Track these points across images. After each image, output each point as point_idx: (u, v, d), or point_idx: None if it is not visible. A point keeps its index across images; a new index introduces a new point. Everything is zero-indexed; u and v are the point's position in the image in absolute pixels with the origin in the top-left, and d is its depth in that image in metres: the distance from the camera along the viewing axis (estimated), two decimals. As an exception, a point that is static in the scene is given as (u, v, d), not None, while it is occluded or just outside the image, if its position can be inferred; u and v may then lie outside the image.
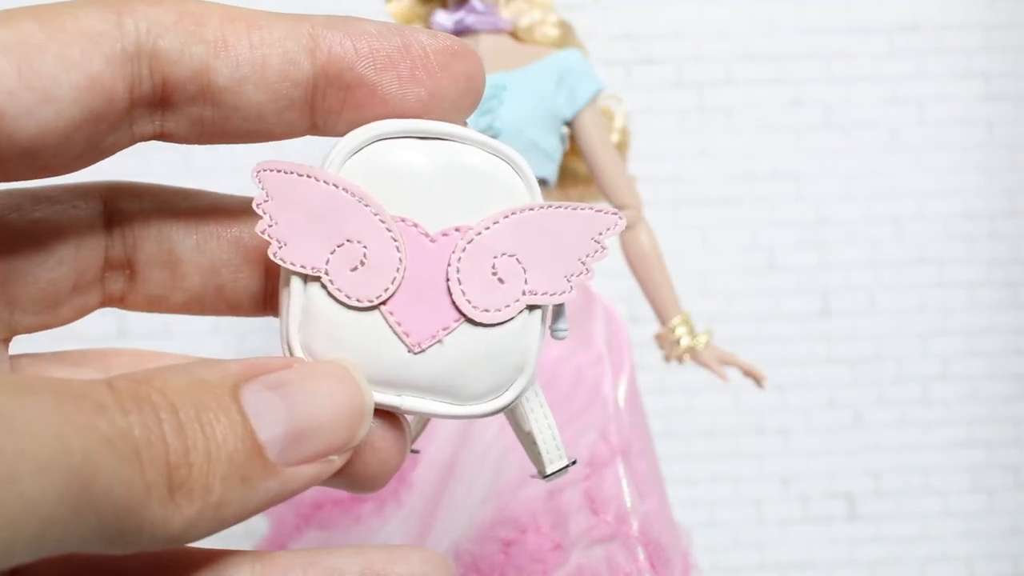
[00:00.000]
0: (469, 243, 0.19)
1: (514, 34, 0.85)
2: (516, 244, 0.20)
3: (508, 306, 0.20)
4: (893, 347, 1.37)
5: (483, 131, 0.78)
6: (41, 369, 0.20)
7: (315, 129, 0.19)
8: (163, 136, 0.19)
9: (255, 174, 0.19)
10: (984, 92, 1.37)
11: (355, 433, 0.17)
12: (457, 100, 0.19)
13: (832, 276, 1.37)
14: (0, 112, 0.15)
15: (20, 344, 0.20)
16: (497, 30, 0.83)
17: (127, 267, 0.20)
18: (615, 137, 0.88)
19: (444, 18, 0.82)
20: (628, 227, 0.84)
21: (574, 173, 0.92)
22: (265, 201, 0.19)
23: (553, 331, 0.22)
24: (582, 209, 0.20)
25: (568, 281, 0.20)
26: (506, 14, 0.84)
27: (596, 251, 0.20)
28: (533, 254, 0.20)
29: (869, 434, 1.37)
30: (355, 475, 0.18)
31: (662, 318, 0.84)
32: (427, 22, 0.86)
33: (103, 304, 0.21)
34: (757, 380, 0.83)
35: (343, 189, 0.19)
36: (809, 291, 1.37)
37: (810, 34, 1.36)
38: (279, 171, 0.19)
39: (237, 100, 0.18)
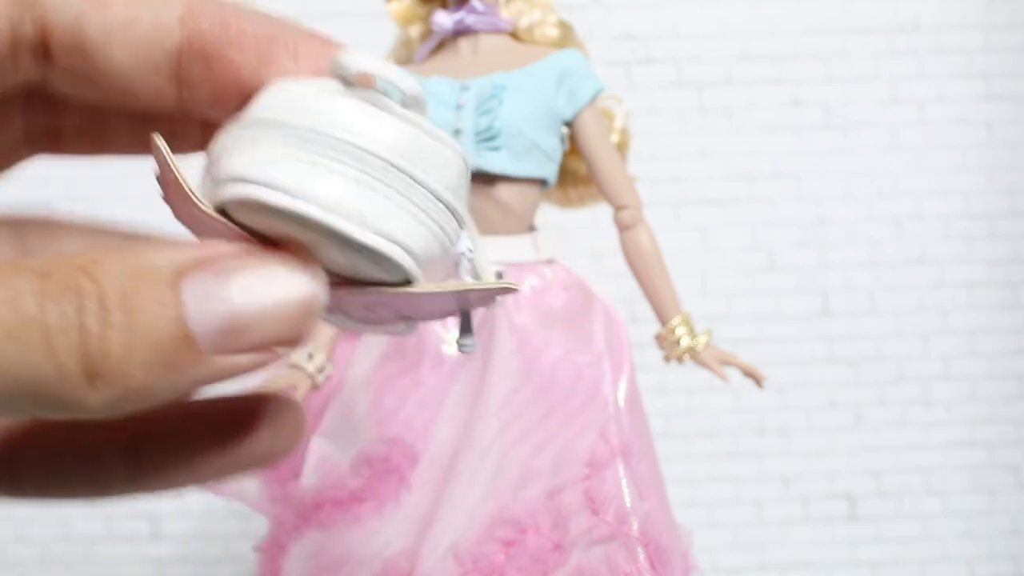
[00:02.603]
0: None
1: (514, 34, 0.85)
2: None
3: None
4: (893, 347, 1.37)
5: (483, 131, 0.78)
6: None
7: (181, 101, 0.19)
8: (44, 84, 0.19)
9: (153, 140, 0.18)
10: (984, 92, 1.37)
11: (299, 330, 0.16)
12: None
13: (832, 276, 1.37)
14: None
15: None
16: (497, 30, 0.83)
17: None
18: (615, 137, 0.88)
19: (444, 18, 0.82)
20: (628, 227, 0.84)
21: (574, 173, 0.92)
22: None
23: (459, 345, 0.21)
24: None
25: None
26: (506, 14, 0.84)
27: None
28: None
29: (869, 434, 1.37)
30: (245, 456, 0.18)
31: (662, 318, 0.83)
32: (427, 22, 0.86)
33: (30, 132, 0.20)
34: (757, 380, 0.83)
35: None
36: (809, 291, 1.37)
37: (810, 34, 1.36)
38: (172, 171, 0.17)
39: (106, 58, 0.18)
